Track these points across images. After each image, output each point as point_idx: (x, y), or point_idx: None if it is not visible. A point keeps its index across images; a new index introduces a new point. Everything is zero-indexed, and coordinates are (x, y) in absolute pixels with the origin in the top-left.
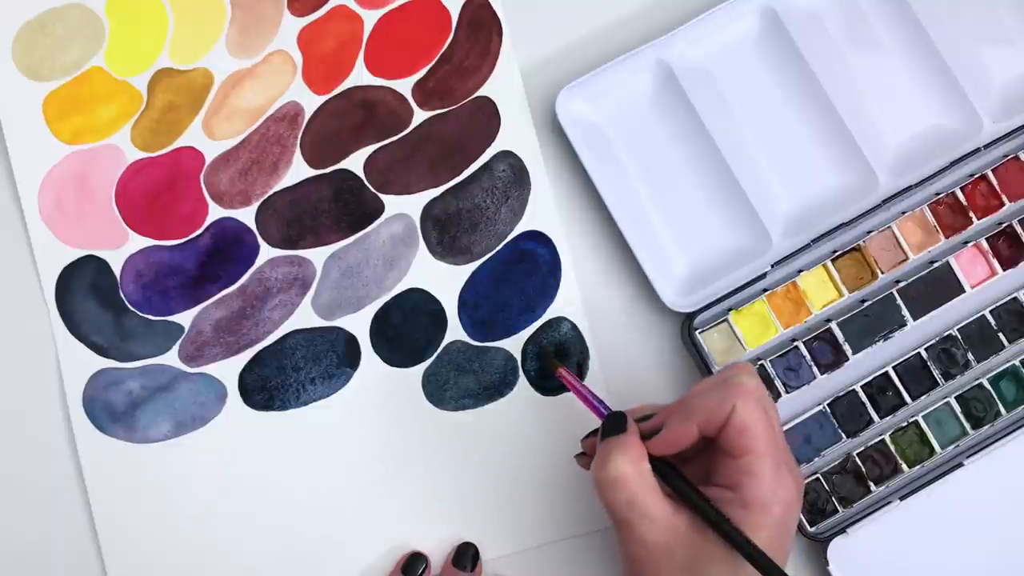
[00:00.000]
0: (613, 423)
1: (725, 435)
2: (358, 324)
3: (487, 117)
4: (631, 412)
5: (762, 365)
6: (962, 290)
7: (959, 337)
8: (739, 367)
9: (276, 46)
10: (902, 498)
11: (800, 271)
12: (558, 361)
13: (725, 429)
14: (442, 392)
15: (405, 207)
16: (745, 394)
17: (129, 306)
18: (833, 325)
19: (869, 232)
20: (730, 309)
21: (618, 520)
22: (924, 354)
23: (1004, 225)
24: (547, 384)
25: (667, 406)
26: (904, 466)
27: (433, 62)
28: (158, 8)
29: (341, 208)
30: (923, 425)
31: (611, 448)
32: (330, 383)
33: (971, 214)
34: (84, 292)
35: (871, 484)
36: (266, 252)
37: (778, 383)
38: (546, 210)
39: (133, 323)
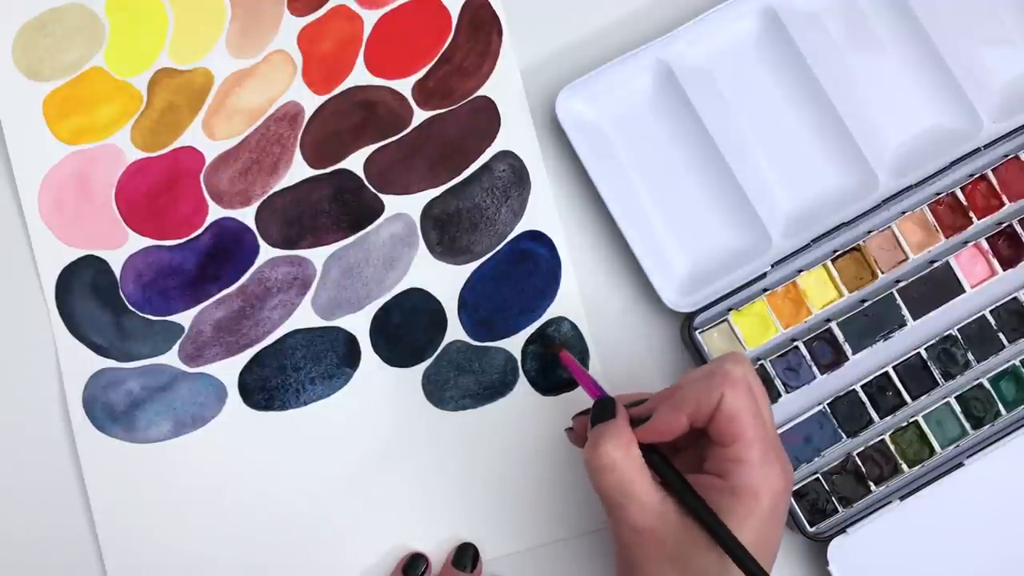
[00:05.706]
0: (601, 408)
1: (714, 423)
2: (358, 324)
3: (487, 117)
4: (622, 398)
5: (762, 365)
6: (962, 290)
7: (959, 337)
8: (729, 356)
9: (276, 46)
10: (902, 498)
11: (800, 271)
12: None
13: (714, 418)
14: (442, 392)
15: (405, 207)
16: (733, 382)
17: (129, 306)
18: (833, 325)
19: (869, 232)
20: (730, 309)
21: (609, 504)
22: (924, 354)
23: (1004, 225)
24: (547, 384)
25: (658, 393)
26: (904, 466)
27: (433, 62)
28: (158, 8)
29: (341, 208)
30: (923, 425)
31: (601, 433)
32: (330, 383)
33: (971, 214)
34: (84, 292)
35: (871, 484)
36: (266, 252)
37: (778, 383)
38: (546, 210)
39: (133, 323)
